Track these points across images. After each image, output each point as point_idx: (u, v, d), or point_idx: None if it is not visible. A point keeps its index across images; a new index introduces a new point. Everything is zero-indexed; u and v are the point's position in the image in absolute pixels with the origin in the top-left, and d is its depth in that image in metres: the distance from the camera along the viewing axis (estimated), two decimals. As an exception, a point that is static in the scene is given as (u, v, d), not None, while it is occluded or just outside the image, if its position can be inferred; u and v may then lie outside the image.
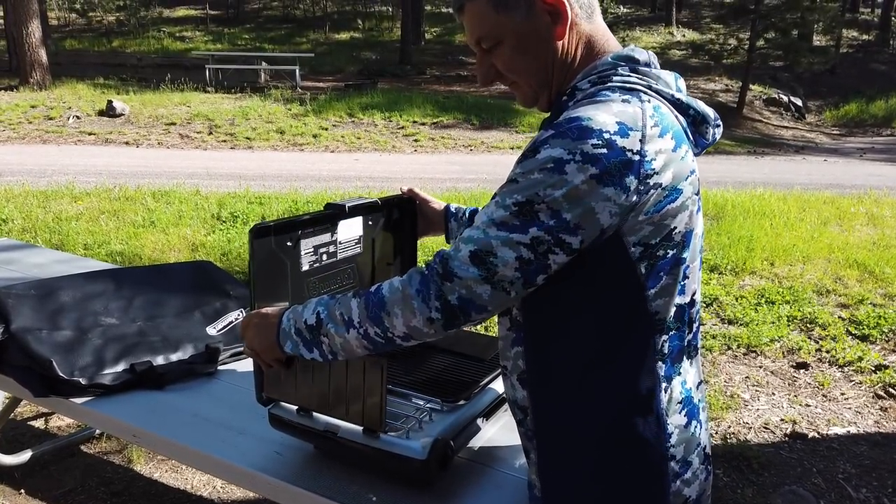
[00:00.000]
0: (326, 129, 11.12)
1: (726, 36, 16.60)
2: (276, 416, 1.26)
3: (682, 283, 0.96)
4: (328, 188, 6.85)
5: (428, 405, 1.29)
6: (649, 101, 0.91)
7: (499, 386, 1.41)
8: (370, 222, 1.61)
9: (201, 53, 16.15)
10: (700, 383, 1.05)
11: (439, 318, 0.91)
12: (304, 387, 1.20)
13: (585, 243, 0.88)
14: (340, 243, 1.53)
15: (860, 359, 3.61)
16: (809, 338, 3.90)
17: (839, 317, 4.17)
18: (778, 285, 4.62)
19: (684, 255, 0.94)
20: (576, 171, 0.84)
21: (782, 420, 3.07)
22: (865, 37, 22.41)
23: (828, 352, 3.72)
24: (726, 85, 17.15)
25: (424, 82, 16.42)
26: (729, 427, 3.00)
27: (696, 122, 0.97)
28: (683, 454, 0.98)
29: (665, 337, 0.95)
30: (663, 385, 0.95)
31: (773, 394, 3.31)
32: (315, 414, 1.23)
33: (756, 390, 3.33)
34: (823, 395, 3.31)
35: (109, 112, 11.37)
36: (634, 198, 0.86)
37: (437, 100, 13.22)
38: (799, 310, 4.21)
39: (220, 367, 1.68)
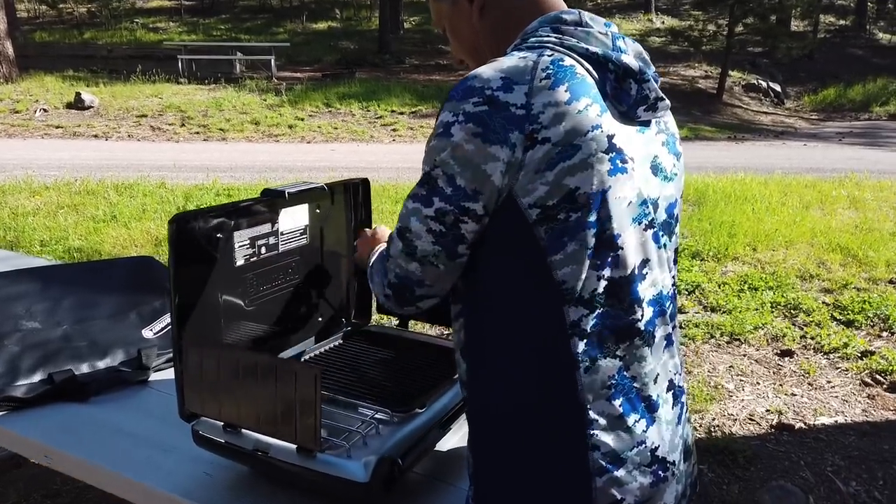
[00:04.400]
0: (303, 120, 10.93)
1: (705, 22, 16.52)
2: (201, 433, 1.10)
3: (608, 253, 0.87)
4: (300, 179, 6.66)
5: (376, 416, 1.14)
6: (550, 56, 0.87)
7: (458, 391, 1.26)
8: (317, 210, 1.45)
9: (174, 44, 15.77)
10: (660, 377, 0.95)
11: (391, 294, 0.96)
12: (229, 400, 1.04)
13: (489, 207, 0.87)
14: (282, 234, 1.37)
15: (846, 345, 3.51)
16: (794, 324, 3.80)
17: (823, 302, 4.08)
18: (761, 271, 4.52)
19: (593, 219, 0.85)
20: (459, 132, 0.85)
21: (768, 411, 2.96)
22: (843, 22, 22.46)
23: (812, 338, 3.63)
24: (706, 71, 17.08)
25: (403, 71, 16.21)
26: (713, 419, 2.89)
27: (619, 78, 0.90)
28: (614, 448, 0.89)
29: (584, 311, 0.87)
30: (583, 365, 0.87)
31: (758, 383, 3.20)
32: (244, 431, 1.07)
33: (740, 380, 3.23)
34: (809, 384, 3.20)
35: (78, 104, 11.07)
36: (520, 154, 0.83)
37: (415, 89, 13.05)
38: (782, 296, 4.11)
39: (153, 375, 1.52)
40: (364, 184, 1.52)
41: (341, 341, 1.48)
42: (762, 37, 16.12)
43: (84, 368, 1.48)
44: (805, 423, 2.87)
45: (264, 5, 24.30)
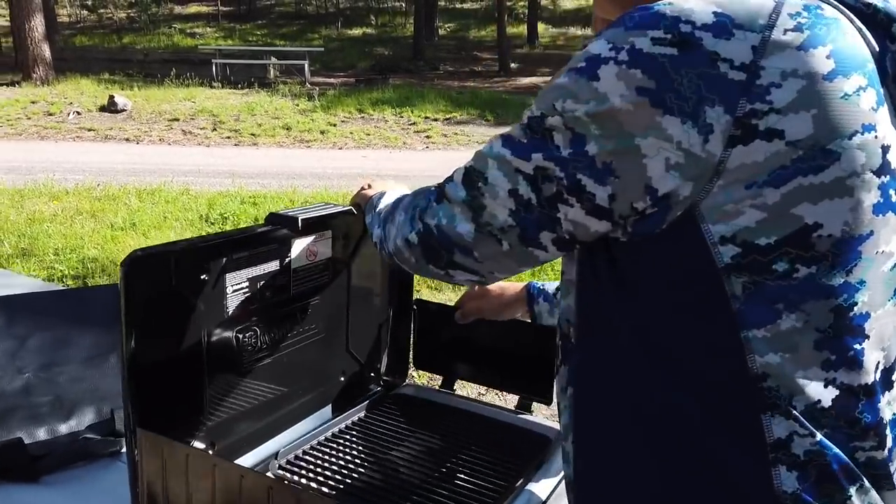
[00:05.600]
0: (335, 125, 10.73)
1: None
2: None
3: (849, 343, 0.52)
4: (330, 186, 6.37)
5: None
6: None
7: (530, 499, 0.91)
8: (344, 239, 1.12)
9: (209, 48, 15.79)
10: None
11: (416, 242, 0.69)
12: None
13: (620, 206, 0.54)
14: (296, 272, 1.03)
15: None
16: None
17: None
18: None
19: (837, 282, 0.51)
20: (613, 80, 0.52)
21: None
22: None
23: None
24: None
25: (438, 78, 16.00)
26: None
27: None
28: None
29: (796, 427, 0.52)
30: None
31: None
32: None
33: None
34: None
35: (111, 107, 11.04)
36: (718, 148, 0.50)
37: (450, 95, 12.80)
38: None
39: (129, 444, 1.19)
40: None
41: (366, 413, 1.14)
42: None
43: (41, 434, 1.15)
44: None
45: (300, 12, 24.40)
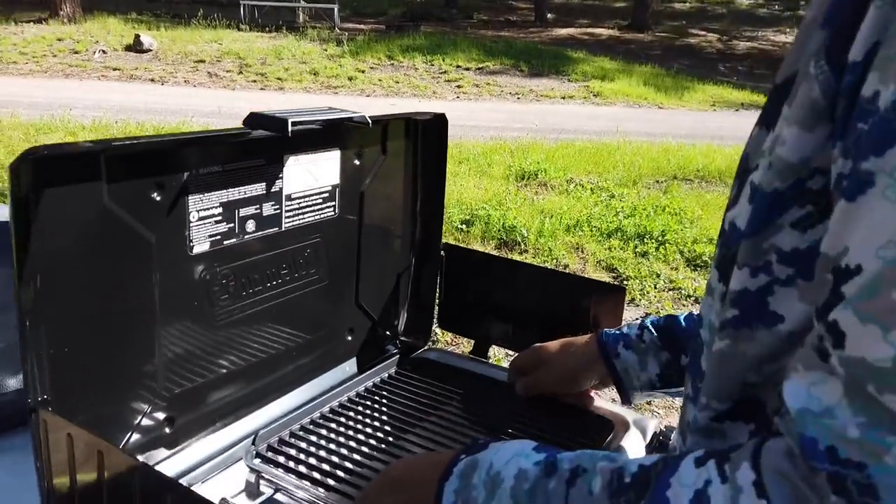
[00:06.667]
0: (363, 72, 10.45)
1: (805, -18, 15.13)
2: None
3: None
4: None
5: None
6: None
7: None
8: (356, 161, 0.87)
9: (238, -10, 15.44)
10: None
11: None
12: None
13: None
14: (290, 199, 0.79)
15: None
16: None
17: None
18: None
19: None
20: None
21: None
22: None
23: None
24: (801, 37, 15.76)
25: (471, 27, 15.49)
26: None
27: None
28: None
29: None
30: None
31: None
32: None
33: None
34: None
35: (137, 47, 10.87)
36: None
37: (483, 44, 12.37)
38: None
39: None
40: (439, 122, 0.92)
41: (378, 381, 0.90)
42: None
43: (-21, 392, 0.95)
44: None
45: (332, -45, 23.75)
